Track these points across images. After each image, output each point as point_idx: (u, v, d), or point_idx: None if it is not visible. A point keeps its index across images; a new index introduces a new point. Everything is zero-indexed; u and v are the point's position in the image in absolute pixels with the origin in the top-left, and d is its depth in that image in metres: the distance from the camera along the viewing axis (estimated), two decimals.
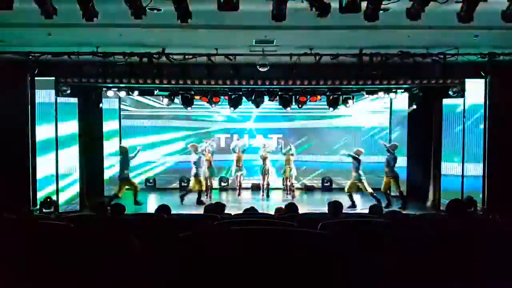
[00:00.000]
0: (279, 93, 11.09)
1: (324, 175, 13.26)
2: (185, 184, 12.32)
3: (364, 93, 11.57)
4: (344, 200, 9.45)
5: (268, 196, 12.02)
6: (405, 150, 11.87)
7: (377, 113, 13.21)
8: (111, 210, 5.71)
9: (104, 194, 11.81)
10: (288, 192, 11.95)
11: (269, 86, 10.55)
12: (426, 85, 10.39)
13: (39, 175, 9.83)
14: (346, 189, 10.93)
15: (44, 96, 9.84)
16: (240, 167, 12.06)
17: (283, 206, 6.96)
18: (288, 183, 11.92)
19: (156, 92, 11.36)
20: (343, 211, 6.26)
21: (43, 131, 9.85)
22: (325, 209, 6.18)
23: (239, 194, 12.12)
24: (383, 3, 5.28)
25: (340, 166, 12.67)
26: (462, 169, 10.16)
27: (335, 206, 5.80)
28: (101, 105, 11.77)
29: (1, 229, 3.10)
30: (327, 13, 5.17)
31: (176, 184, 12.88)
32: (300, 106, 11.43)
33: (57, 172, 9.97)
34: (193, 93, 11.11)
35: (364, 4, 5.19)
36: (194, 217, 6.46)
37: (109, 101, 12.17)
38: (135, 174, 12.27)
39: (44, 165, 9.86)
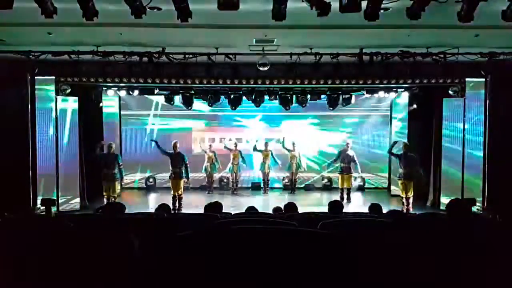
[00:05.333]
0: (279, 92, 11.09)
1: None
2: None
3: (364, 92, 11.57)
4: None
5: (266, 191, 12.56)
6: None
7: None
8: (111, 209, 5.71)
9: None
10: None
11: (269, 86, 10.55)
12: (426, 85, 10.40)
13: (39, 175, 9.84)
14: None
15: (44, 95, 9.85)
16: (236, 164, 12.42)
17: (282, 206, 6.95)
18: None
19: (156, 91, 11.37)
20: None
21: (44, 130, 9.85)
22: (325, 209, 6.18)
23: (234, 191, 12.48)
24: (383, 2, 5.27)
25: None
26: (462, 169, 10.16)
27: (335, 205, 5.80)
28: (101, 104, 11.78)
29: (1, 229, 3.10)
30: (327, 12, 5.16)
31: None
32: (303, 106, 11.45)
33: (57, 171, 9.98)
34: (193, 92, 11.12)
35: (364, 4, 5.19)
36: (194, 216, 6.45)
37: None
38: None
39: (44, 164, 9.87)
